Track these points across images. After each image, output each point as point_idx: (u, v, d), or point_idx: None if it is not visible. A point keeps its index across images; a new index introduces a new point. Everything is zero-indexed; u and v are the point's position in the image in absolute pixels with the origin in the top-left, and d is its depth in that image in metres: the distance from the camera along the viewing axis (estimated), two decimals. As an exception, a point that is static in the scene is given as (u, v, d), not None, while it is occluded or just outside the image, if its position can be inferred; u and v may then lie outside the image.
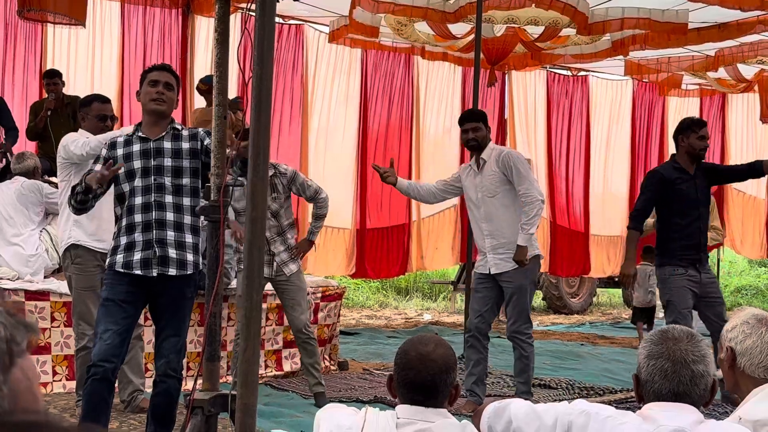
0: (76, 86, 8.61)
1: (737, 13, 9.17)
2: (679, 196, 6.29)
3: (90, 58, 9.35)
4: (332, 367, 7.82)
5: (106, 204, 4.83)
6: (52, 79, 8.09)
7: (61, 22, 8.21)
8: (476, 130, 6.26)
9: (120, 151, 4.39)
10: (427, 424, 2.59)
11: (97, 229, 5.59)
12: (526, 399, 5.92)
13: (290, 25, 10.74)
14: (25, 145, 8.31)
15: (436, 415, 2.61)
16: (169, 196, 4.30)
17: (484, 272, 6.33)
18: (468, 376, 6.37)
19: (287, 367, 7.31)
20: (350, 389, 6.96)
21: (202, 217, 4.04)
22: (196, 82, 8.90)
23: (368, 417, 2.66)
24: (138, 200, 4.29)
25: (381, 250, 11.76)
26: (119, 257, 4.28)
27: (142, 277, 4.25)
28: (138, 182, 4.32)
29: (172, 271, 4.26)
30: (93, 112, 5.83)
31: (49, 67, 8.82)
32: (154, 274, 4.25)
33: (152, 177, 4.32)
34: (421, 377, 2.60)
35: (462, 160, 11.91)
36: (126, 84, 9.34)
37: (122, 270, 4.26)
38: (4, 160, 7.86)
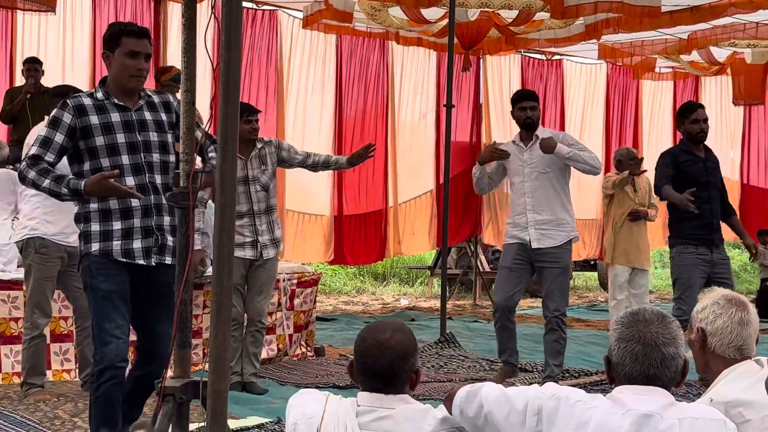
0: (46, 74, 8.51)
1: (710, -4, 9.23)
2: (689, 176, 6.44)
3: (61, 45, 9.24)
4: (309, 353, 7.80)
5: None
6: (33, 65, 8.11)
7: (31, 9, 8.14)
8: (533, 109, 6.42)
9: (95, 119, 3.88)
10: (387, 411, 2.59)
11: (66, 226, 5.47)
12: (557, 382, 5.93)
13: (264, 10, 10.67)
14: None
15: (396, 401, 2.61)
16: (158, 176, 3.96)
17: (524, 242, 6.37)
18: (502, 351, 6.54)
19: (263, 353, 7.28)
20: (327, 375, 6.97)
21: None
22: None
23: (328, 406, 2.66)
24: (129, 181, 3.88)
25: (359, 237, 11.76)
26: (115, 244, 3.88)
27: (140, 266, 3.95)
28: (125, 159, 3.88)
29: (169, 260, 3.98)
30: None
31: (19, 54, 8.76)
32: (153, 263, 3.97)
33: (141, 154, 3.92)
34: (378, 364, 2.60)
35: (437, 146, 11.90)
36: (98, 72, 9.23)
37: (123, 259, 3.90)
38: None
